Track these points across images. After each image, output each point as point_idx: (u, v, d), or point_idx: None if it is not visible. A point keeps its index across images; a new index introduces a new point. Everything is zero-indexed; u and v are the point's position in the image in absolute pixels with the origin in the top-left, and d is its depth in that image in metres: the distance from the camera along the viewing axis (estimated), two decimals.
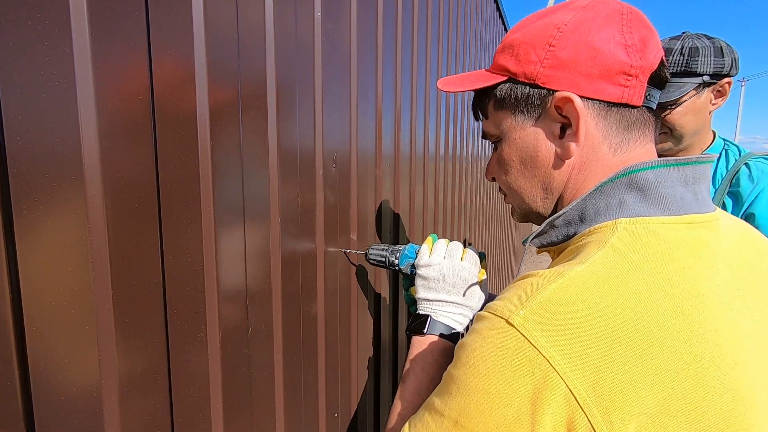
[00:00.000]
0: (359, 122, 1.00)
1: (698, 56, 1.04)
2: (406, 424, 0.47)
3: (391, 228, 1.26)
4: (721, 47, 1.05)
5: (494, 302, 0.42)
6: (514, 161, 0.56)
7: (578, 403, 0.35)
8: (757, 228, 1.04)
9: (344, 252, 0.96)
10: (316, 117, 0.82)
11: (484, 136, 0.61)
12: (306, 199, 0.80)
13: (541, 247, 0.56)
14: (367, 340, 1.13)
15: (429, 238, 0.81)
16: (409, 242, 1.09)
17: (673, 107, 1.07)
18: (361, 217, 1.03)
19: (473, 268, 0.74)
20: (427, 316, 0.72)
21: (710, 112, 1.11)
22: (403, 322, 1.37)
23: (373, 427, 1.19)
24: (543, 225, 0.53)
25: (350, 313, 1.01)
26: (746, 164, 1.14)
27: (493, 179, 0.62)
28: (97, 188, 0.41)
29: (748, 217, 1.08)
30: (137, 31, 0.45)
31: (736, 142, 1.21)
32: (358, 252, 0.96)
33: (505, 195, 0.62)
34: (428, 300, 0.74)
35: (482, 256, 0.78)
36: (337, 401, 0.98)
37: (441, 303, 0.73)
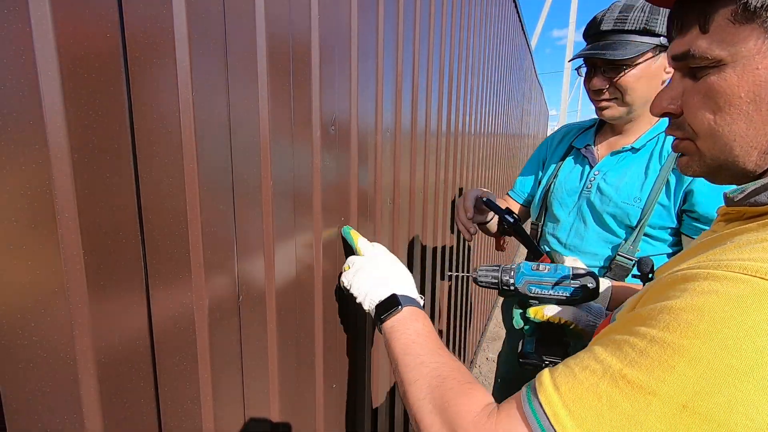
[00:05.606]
0: (359, 87, 0.95)
1: (659, 15, 0.97)
2: (564, 408, 0.37)
3: (392, 199, 1.22)
4: None
5: (735, 261, 0.34)
6: (741, 97, 0.41)
7: None
8: (693, 204, 0.97)
9: (450, 275, 0.93)
10: (313, 74, 0.77)
11: (683, 57, 0.44)
12: (302, 163, 0.76)
13: (737, 204, 0.44)
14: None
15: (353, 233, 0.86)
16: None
17: (627, 69, 1.00)
18: (361, 184, 0.99)
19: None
20: (391, 294, 0.73)
21: (663, 82, 1.03)
22: None
23: (371, 399, 1.18)
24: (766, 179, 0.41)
25: None
26: None
27: (664, 114, 0.48)
28: (59, 125, 0.37)
29: (688, 194, 0.98)
30: None
31: None
32: (466, 275, 0.94)
33: (680, 139, 0.48)
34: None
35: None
36: (336, 373, 0.96)
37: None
